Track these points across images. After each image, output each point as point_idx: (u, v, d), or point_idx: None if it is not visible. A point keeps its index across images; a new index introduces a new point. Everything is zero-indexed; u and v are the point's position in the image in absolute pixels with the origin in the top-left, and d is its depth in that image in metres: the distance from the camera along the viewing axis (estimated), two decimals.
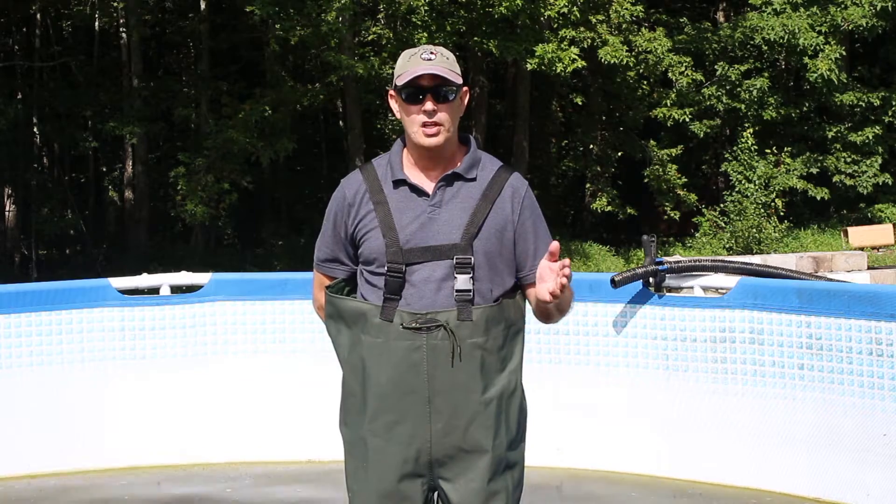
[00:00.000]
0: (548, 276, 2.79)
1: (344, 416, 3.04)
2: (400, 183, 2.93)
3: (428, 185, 2.93)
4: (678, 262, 6.07)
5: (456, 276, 2.87)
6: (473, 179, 2.94)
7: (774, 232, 22.97)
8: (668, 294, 5.83)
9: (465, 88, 2.96)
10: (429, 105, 2.87)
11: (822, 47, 24.25)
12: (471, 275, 2.88)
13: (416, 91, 2.88)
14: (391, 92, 2.99)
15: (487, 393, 2.91)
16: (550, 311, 2.95)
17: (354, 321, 2.95)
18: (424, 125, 2.88)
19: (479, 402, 2.90)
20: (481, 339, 2.89)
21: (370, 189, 2.95)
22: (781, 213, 24.13)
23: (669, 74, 24.90)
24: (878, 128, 25.60)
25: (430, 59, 2.88)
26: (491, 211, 2.92)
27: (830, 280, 6.30)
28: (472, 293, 2.88)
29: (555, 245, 2.79)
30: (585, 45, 22.79)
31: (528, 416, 3.06)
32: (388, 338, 2.89)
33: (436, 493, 2.98)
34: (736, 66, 25.58)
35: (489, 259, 2.90)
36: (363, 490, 2.97)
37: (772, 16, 24.83)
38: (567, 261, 2.78)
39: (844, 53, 25.03)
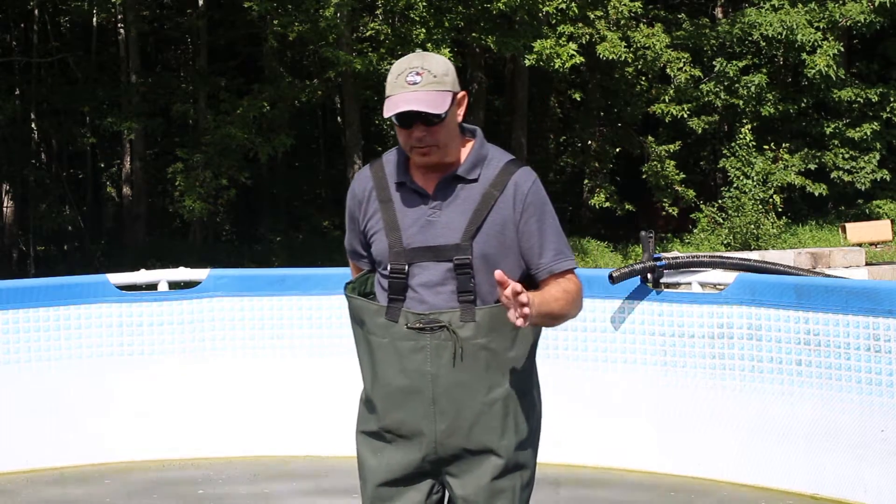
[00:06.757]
0: (507, 304, 2.68)
1: (359, 412, 3.03)
2: (402, 185, 2.91)
3: (429, 186, 2.90)
4: (676, 258, 6.08)
5: (456, 277, 2.86)
6: (475, 180, 2.89)
7: (772, 228, 22.97)
8: (665, 290, 5.83)
9: (461, 94, 2.89)
10: (417, 133, 2.82)
11: (820, 43, 24.25)
12: (470, 276, 2.86)
13: (403, 118, 2.81)
14: None
15: (492, 393, 2.88)
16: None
17: (362, 321, 2.95)
18: (417, 147, 2.84)
19: (483, 403, 2.88)
20: (485, 339, 2.86)
21: (377, 187, 2.93)
22: (779, 210, 24.13)
23: (668, 70, 24.90)
24: (876, 124, 25.60)
25: (414, 83, 2.79)
26: (491, 211, 2.88)
27: (828, 276, 6.30)
28: (472, 294, 2.86)
29: (497, 274, 2.67)
30: (584, 41, 22.79)
31: (541, 417, 3.03)
32: (393, 338, 2.88)
33: (444, 489, 2.98)
34: (734, 62, 25.57)
35: (487, 260, 2.86)
36: (370, 486, 2.98)
37: (770, 12, 24.82)
38: (517, 287, 2.65)
39: (843, 49, 25.02)
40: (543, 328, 3.02)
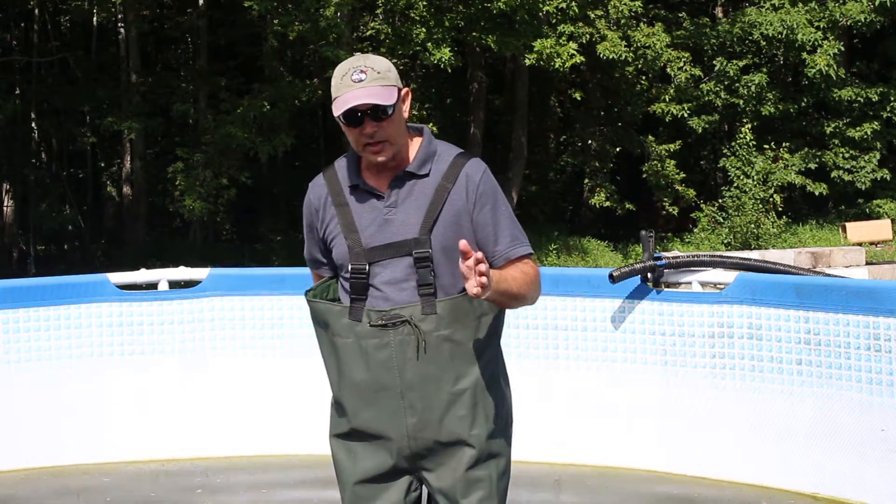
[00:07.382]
0: (467, 275, 2.72)
1: (330, 417, 3.07)
2: (356, 188, 2.96)
3: (382, 186, 2.94)
4: (676, 257, 6.07)
5: (416, 271, 2.89)
6: (426, 175, 2.94)
7: (773, 227, 22.98)
8: (666, 289, 5.83)
9: (405, 90, 2.93)
10: (368, 129, 2.86)
11: (820, 43, 24.25)
12: (430, 269, 2.89)
13: (352, 116, 2.86)
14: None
15: (459, 384, 2.91)
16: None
17: (326, 323, 2.98)
18: (368, 145, 2.88)
19: (451, 394, 2.91)
20: (448, 331, 2.89)
21: (331, 192, 2.98)
22: (780, 209, 24.13)
23: (668, 70, 24.89)
24: (876, 123, 25.60)
25: (360, 81, 2.84)
26: (445, 204, 2.92)
27: (829, 275, 6.30)
28: (433, 287, 2.89)
29: (462, 244, 2.70)
30: (584, 41, 22.78)
31: (512, 406, 3.06)
32: (357, 337, 2.92)
33: (421, 484, 3.01)
34: (734, 61, 25.57)
35: (447, 252, 2.89)
36: (348, 488, 3.02)
37: (770, 11, 24.82)
38: (479, 254, 2.70)
39: (843, 49, 25.01)
40: (505, 322, 3.04)
